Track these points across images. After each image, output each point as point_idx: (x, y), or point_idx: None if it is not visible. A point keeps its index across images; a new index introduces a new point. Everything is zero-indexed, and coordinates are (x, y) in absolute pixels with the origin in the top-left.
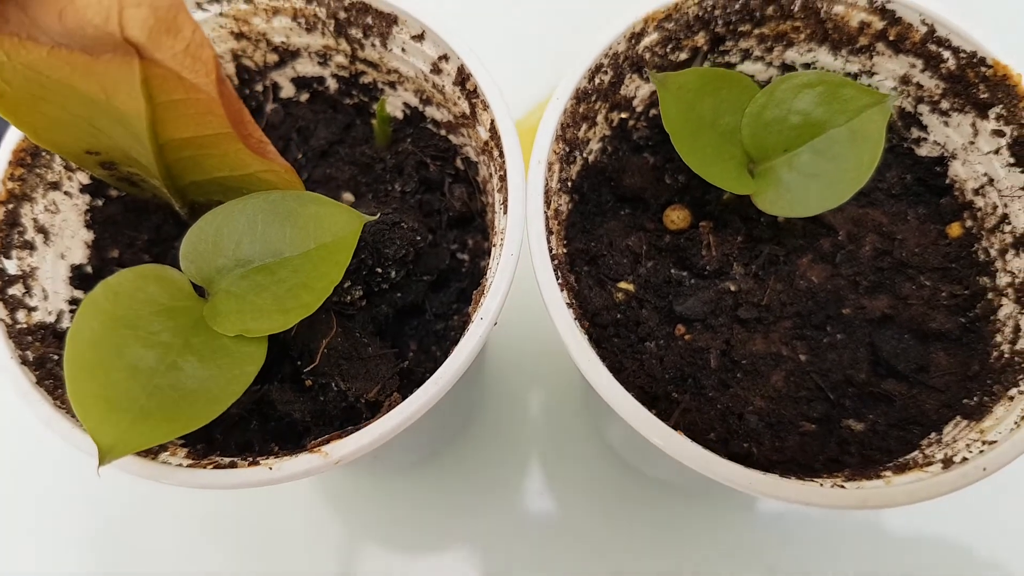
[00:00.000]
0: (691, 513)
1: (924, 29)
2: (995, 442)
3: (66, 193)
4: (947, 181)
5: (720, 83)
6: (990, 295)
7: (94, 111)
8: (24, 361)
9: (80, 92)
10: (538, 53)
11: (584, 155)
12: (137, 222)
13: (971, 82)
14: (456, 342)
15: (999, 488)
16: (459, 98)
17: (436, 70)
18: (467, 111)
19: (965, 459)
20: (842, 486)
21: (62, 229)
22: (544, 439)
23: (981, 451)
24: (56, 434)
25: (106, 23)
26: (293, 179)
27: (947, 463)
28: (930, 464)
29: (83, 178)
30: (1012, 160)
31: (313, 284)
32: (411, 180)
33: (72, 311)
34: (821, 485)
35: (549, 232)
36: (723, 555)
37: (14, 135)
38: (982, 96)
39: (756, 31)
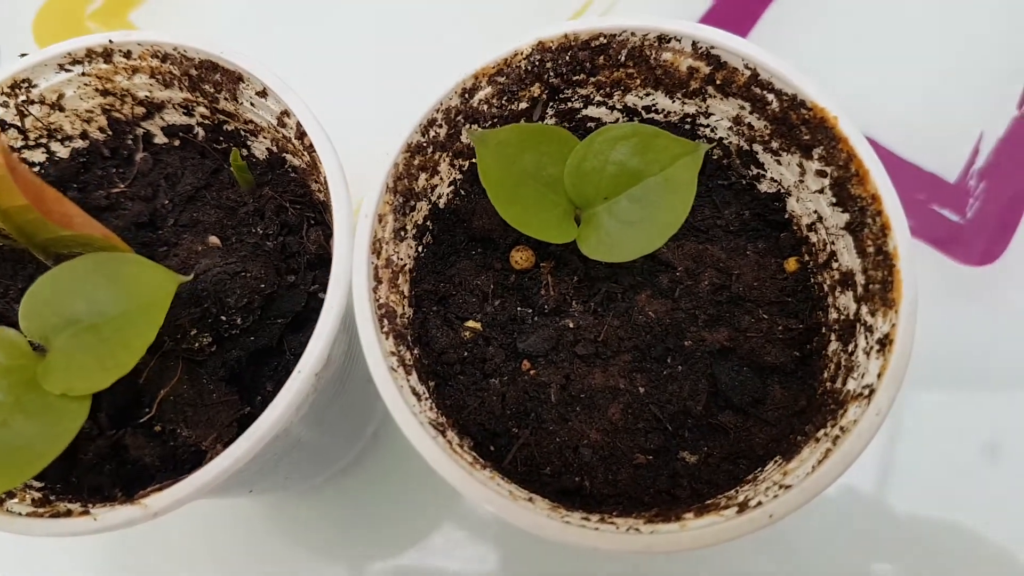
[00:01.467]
0: None
1: (748, 73)
2: (790, 486)
3: None
4: (786, 216)
5: (539, 137)
6: (823, 330)
7: None
8: None
9: None
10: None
11: (433, 200)
12: (13, 271)
13: (794, 124)
14: None
15: None
16: (303, 150)
17: (282, 124)
18: (311, 162)
19: (760, 503)
20: (638, 530)
21: None
22: None
23: (776, 495)
24: None
25: None
26: (116, 242)
27: (743, 507)
28: (729, 507)
29: None
30: (834, 200)
31: (131, 343)
32: (272, 223)
33: None
34: (617, 528)
35: (377, 282)
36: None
37: None
38: (805, 137)
39: (592, 79)
